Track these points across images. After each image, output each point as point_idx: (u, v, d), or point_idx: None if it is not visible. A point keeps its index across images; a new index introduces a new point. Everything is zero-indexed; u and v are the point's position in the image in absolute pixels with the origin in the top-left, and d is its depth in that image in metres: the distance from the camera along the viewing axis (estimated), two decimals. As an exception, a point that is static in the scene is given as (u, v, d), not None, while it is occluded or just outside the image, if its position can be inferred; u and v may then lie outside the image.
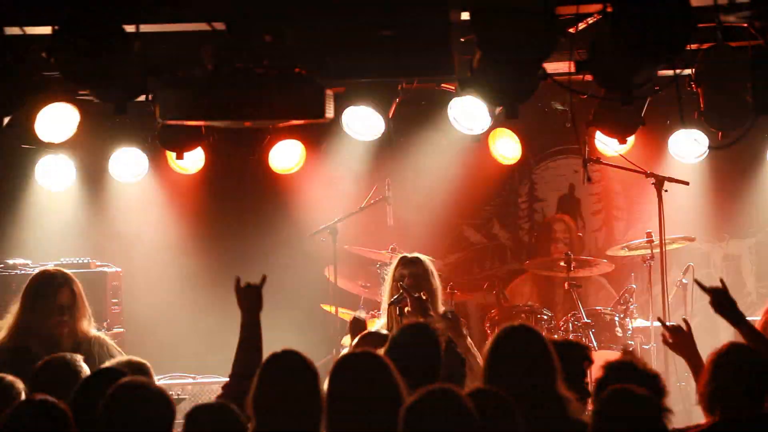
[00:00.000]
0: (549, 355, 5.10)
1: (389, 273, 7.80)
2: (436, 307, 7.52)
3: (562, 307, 10.42)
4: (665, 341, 5.97)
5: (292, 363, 4.84)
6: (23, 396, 5.42)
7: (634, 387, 4.63)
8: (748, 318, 5.95)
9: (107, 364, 5.77)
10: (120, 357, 5.96)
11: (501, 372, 5.07)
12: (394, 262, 7.82)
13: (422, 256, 7.74)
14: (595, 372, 5.35)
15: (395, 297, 7.51)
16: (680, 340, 5.89)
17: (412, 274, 7.59)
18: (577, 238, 10.86)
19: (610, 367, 5.18)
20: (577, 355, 5.65)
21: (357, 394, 4.68)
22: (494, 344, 5.19)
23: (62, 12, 6.33)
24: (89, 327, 7.11)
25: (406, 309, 7.36)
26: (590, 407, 5.27)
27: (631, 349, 9.00)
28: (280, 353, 4.88)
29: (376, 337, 6.70)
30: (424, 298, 7.28)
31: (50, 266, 7.95)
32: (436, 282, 7.70)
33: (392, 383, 4.71)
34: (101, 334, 7.27)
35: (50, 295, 6.99)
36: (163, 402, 4.64)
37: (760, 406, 5.12)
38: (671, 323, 6.03)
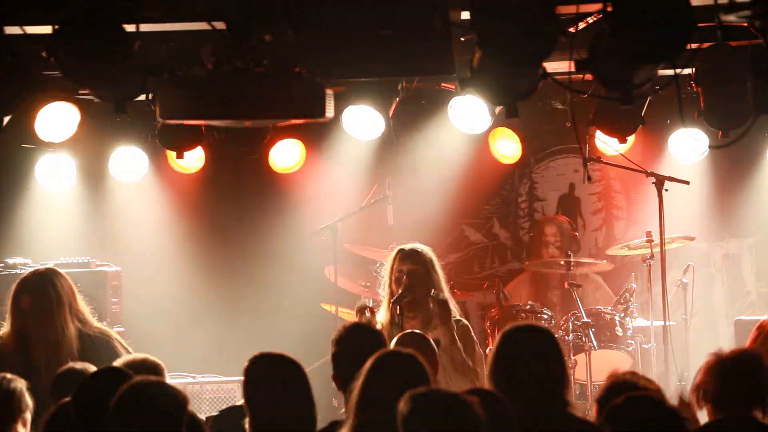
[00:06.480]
0: (561, 358, 4.83)
1: (387, 266, 7.71)
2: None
3: (561, 306, 10.42)
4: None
5: (278, 366, 4.90)
6: (26, 395, 5.40)
7: (652, 393, 4.41)
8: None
9: (118, 362, 5.68)
10: (134, 355, 5.86)
11: (510, 376, 4.76)
12: (392, 254, 7.70)
13: (420, 247, 7.66)
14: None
15: (396, 297, 7.47)
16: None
17: (410, 272, 7.54)
18: (573, 237, 10.83)
19: (611, 388, 4.82)
20: None
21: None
22: (502, 345, 4.85)
23: (62, 12, 6.32)
24: (95, 324, 7.00)
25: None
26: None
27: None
28: (262, 357, 4.94)
29: (415, 338, 6.48)
30: (433, 306, 7.31)
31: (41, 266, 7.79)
32: (438, 273, 7.61)
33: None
34: (108, 330, 7.10)
35: (19, 299, 6.79)
36: (176, 400, 4.65)
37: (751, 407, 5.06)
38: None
